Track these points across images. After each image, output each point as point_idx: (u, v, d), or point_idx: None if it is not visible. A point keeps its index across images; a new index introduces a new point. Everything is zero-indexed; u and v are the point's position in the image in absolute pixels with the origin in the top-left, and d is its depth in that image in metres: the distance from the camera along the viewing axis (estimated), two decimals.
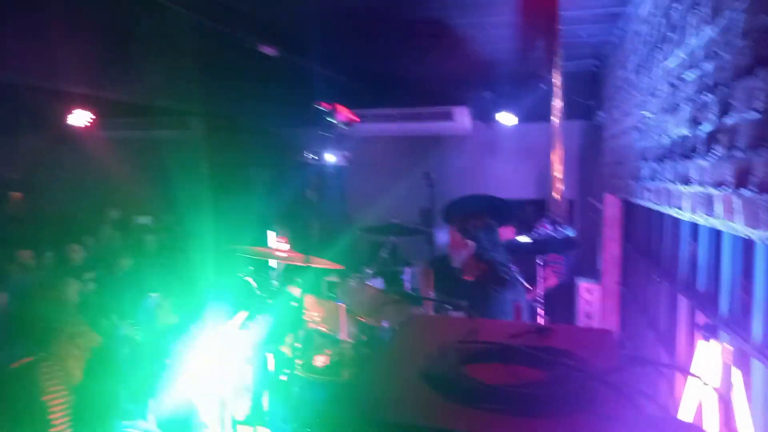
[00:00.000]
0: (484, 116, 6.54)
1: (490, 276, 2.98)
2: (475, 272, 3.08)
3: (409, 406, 0.92)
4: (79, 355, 3.11)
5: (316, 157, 4.05)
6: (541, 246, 3.77)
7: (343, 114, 2.43)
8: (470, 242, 3.05)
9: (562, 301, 5.13)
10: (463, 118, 6.49)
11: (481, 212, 3.15)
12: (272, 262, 4.19)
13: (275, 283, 4.03)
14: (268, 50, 4.44)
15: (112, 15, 4.04)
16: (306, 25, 4.51)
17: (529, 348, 1.00)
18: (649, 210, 3.33)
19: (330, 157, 3.78)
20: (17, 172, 7.37)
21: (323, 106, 2.36)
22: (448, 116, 6.40)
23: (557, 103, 3.60)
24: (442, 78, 6.41)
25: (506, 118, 6.24)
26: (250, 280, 4.26)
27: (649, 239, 3.77)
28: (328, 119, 2.38)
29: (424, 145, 6.98)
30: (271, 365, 3.30)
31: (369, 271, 4.45)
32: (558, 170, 3.57)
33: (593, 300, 5.12)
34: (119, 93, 4.84)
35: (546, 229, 3.90)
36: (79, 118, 5.46)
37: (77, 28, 4.13)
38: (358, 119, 2.54)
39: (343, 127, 2.45)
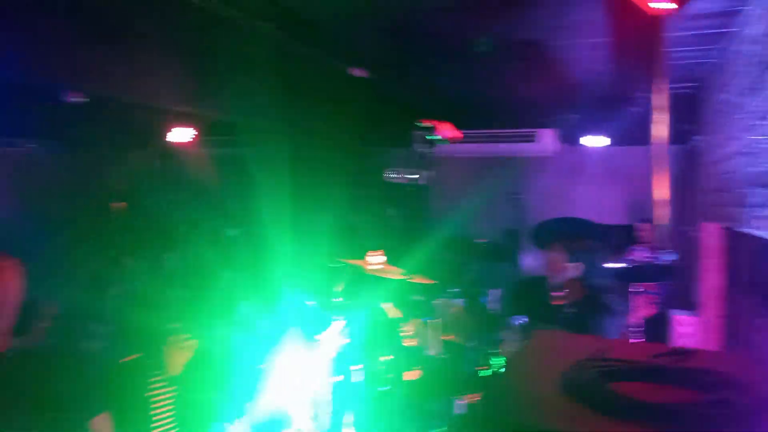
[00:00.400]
0: (570, 138, 6.42)
1: (590, 301, 2.91)
2: (573, 296, 3.02)
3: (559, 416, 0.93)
4: (181, 357, 3.29)
5: (399, 176, 4.15)
6: (637, 273, 3.64)
7: (446, 131, 2.46)
8: (573, 265, 2.99)
9: (653, 332, 4.90)
10: (548, 140, 6.41)
11: (577, 235, 3.09)
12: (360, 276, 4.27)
13: (363, 295, 4.10)
14: (358, 72, 4.57)
15: (201, 37, 4.29)
16: (392, 48, 4.63)
17: (687, 369, 0.99)
18: (758, 239, 3.15)
19: (413, 176, 3.85)
20: (122, 184, 7.94)
21: (425, 123, 2.41)
22: (532, 138, 6.34)
23: (658, 126, 3.49)
24: (528, 100, 6.37)
25: (593, 141, 6.11)
26: (339, 291, 4.37)
27: (757, 271, 3.55)
28: (429, 137, 2.42)
29: (507, 166, 6.93)
30: (359, 378, 3.36)
31: (453, 290, 4.45)
32: (660, 195, 3.45)
33: (688, 333, 4.86)
34: (211, 111, 5.14)
35: (640, 255, 3.77)
36: (181, 134, 5.85)
37: (172, 51, 4.43)
38: (461, 135, 2.57)
39: (443, 143, 2.48)
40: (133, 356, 3.07)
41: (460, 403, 2.80)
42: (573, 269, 3.00)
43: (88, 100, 4.41)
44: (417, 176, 3.88)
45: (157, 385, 3.02)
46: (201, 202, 7.34)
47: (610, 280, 3.27)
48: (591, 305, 2.88)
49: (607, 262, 4.11)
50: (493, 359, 2.87)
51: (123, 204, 8.03)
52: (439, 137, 2.42)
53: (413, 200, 6.24)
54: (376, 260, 3.73)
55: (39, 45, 3.56)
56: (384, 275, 3.39)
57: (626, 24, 3.64)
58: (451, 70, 5.43)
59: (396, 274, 3.14)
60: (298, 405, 4.25)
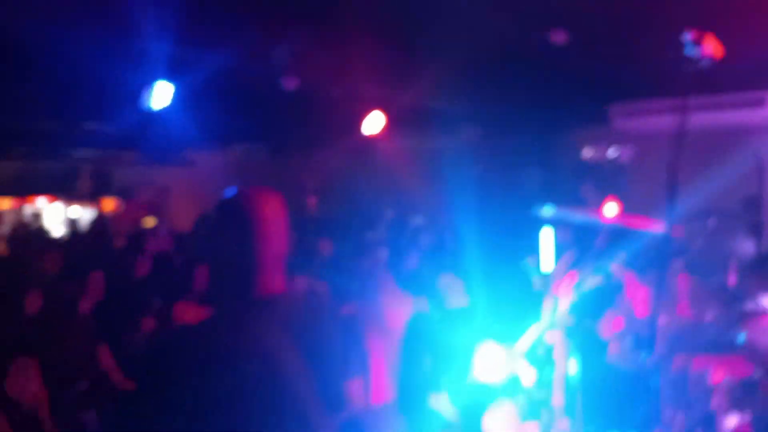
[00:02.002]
0: None
1: None
2: None
3: None
4: None
5: (592, 156, 3.72)
6: None
7: (710, 45, 2.00)
8: None
9: None
10: None
11: None
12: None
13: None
14: (557, 37, 4.19)
15: (398, 20, 4.24)
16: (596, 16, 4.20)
17: None
18: None
19: (611, 153, 3.42)
20: (314, 179, 8.53)
21: (690, 34, 1.96)
22: (760, 102, 5.39)
23: None
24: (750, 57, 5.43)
25: None
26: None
27: None
28: (691, 51, 1.98)
29: (721, 141, 5.99)
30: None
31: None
32: None
33: None
34: (405, 97, 5.16)
35: None
36: (372, 124, 6.03)
37: (367, 35, 4.47)
38: (722, 53, 2.09)
39: (704, 62, 2.02)
40: None
41: None
42: None
43: (297, 89, 4.63)
44: (617, 154, 3.43)
45: None
46: (386, 192, 7.56)
47: None
48: None
49: None
50: None
51: (314, 198, 8.62)
52: (703, 52, 1.97)
53: (611, 182, 5.69)
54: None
55: (254, 33, 3.83)
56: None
57: None
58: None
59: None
60: (501, 383, 4.11)
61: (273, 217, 1.65)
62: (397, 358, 2.50)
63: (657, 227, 3.42)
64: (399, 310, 2.59)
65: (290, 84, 4.38)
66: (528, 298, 4.40)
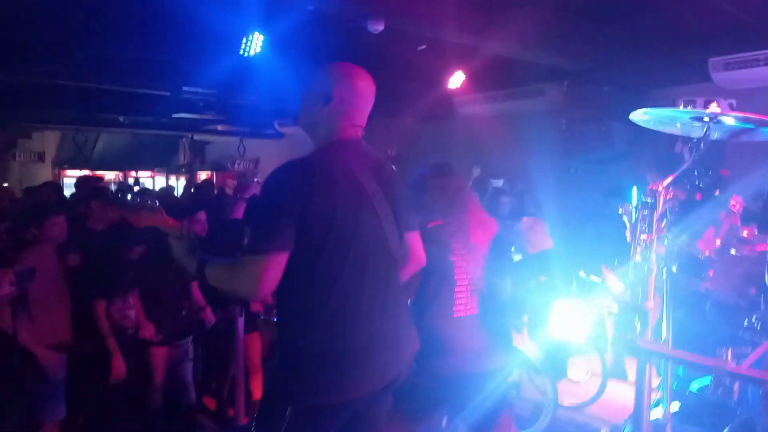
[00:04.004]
0: None
1: None
2: None
3: None
4: None
5: (696, 110, 3.48)
6: None
7: None
8: None
9: None
10: None
11: None
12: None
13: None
14: None
15: None
16: None
17: None
18: None
19: (714, 109, 3.21)
20: (393, 149, 8.61)
21: None
22: None
23: None
24: None
25: None
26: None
27: None
28: None
29: None
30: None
31: None
32: None
33: None
34: (492, 45, 5.09)
35: None
36: (455, 82, 6.03)
37: None
38: None
39: None
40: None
41: None
42: None
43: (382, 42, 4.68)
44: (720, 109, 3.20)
45: None
46: (466, 155, 7.52)
47: None
48: None
49: None
50: None
51: (392, 167, 8.71)
52: None
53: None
54: None
55: None
56: None
57: None
58: None
59: None
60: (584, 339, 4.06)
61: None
62: (481, 275, 2.52)
63: None
64: (483, 229, 2.60)
65: (377, 26, 4.43)
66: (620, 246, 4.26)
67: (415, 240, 2.07)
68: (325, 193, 1.72)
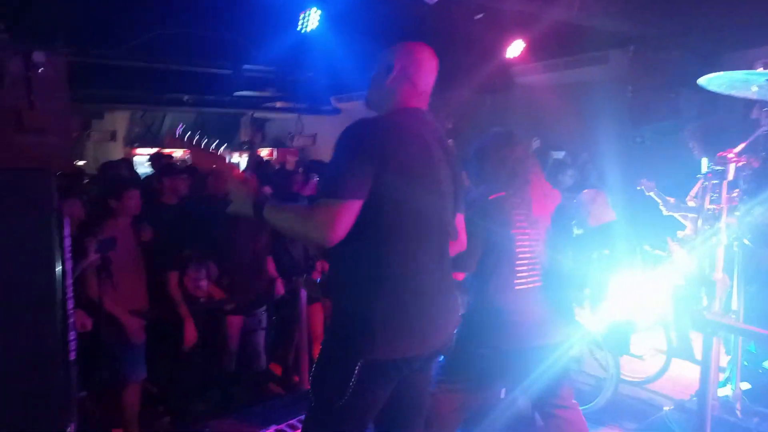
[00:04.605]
0: None
1: None
2: None
3: None
4: None
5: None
6: None
7: None
8: None
9: None
10: None
11: None
12: None
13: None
14: None
15: None
16: None
17: None
18: None
19: None
20: (450, 122, 8.53)
21: None
22: None
23: None
24: None
25: None
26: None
27: None
28: None
29: None
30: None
31: None
32: None
33: None
34: (553, 11, 4.91)
35: None
36: (514, 51, 5.88)
37: None
38: None
39: None
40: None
41: None
42: None
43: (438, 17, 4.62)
44: None
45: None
46: (525, 128, 7.36)
47: None
48: None
49: None
50: None
51: (450, 141, 8.64)
52: None
53: None
54: None
55: None
56: None
57: None
58: None
59: None
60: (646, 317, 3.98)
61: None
62: (543, 248, 2.50)
63: None
64: (546, 200, 2.57)
65: None
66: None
67: (461, 222, 2.11)
68: (402, 152, 1.77)
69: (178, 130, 1.89)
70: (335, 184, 1.71)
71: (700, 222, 3.73)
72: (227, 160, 1.99)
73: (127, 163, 7.41)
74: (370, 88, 2.02)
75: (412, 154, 1.80)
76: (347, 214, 1.68)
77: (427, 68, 1.98)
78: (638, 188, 4.10)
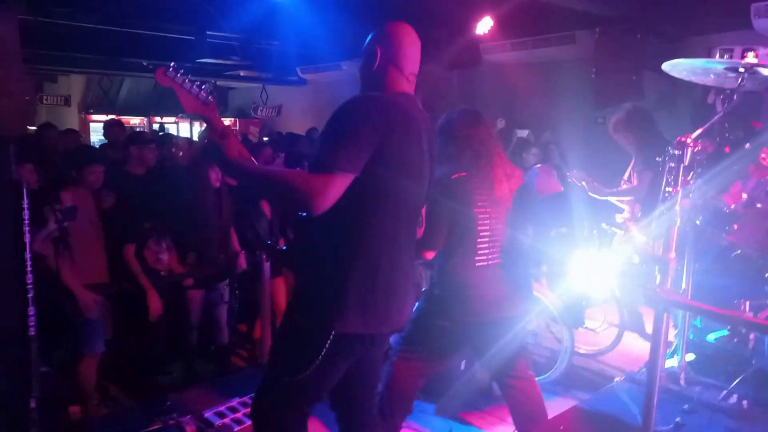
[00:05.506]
0: None
1: None
2: None
3: None
4: None
5: (730, 60, 3.37)
6: None
7: None
8: None
9: None
10: None
11: None
12: None
13: None
14: None
15: None
16: None
17: None
18: None
19: (750, 59, 3.10)
20: (419, 97, 8.52)
21: None
22: None
23: None
24: None
25: None
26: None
27: None
28: None
29: None
30: None
31: None
32: None
33: None
34: None
35: None
36: (483, 25, 5.86)
37: None
38: None
39: None
40: None
41: None
42: None
43: None
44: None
45: None
46: (489, 107, 7.42)
47: None
48: None
49: None
50: None
51: None
52: None
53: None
54: None
55: None
56: None
57: None
58: None
59: None
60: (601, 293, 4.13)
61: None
62: (503, 227, 2.56)
63: None
64: (508, 181, 2.62)
65: None
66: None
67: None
68: (403, 134, 1.80)
69: (170, 69, 1.83)
70: (331, 156, 1.71)
71: (637, 207, 3.87)
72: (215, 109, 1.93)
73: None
74: (361, 79, 2.03)
75: (409, 139, 1.84)
76: (337, 186, 1.70)
77: (410, 49, 1.99)
78: (569, 181, 4.21)
